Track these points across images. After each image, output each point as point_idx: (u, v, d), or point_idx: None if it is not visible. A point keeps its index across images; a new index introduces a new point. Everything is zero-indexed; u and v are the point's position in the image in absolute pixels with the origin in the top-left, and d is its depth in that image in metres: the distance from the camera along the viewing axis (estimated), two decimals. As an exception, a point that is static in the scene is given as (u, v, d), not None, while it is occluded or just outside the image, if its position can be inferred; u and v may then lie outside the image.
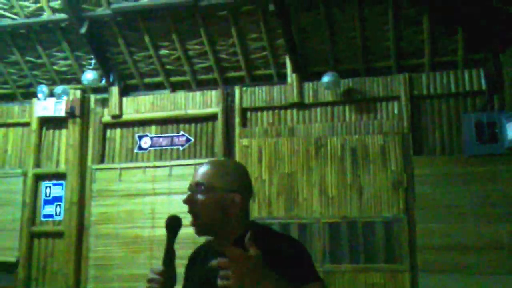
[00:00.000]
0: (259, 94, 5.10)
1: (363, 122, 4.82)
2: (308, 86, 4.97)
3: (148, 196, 5.18)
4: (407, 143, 4.69)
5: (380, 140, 4.73)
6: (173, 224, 1.54)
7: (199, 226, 1.53)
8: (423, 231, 4.54)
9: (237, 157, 4.98)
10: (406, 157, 4.67)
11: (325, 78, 4.74)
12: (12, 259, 5.33)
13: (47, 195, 5.40)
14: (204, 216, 1.52)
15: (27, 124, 5.57)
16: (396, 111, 4.78)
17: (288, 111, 5.03)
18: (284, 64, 5.02)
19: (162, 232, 5.11)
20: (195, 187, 1.54)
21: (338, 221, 4.71)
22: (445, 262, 4.45)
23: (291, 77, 4.97)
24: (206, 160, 5.21)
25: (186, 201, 1.54)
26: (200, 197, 1.52)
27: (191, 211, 1.53)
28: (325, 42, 4.81)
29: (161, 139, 5.31)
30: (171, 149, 5.27)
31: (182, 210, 5.25)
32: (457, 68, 4.68)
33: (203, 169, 1.57)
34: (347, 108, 4.90)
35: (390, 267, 4.55)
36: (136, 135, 5.37)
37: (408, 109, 4.72)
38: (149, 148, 5.32)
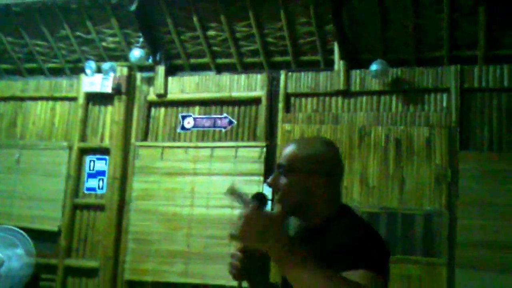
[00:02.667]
0: (304, 80, 5.07)
1: (409, 113, 4.75)
2: (355, 73, 4.91)
3: (189, 175, 5.25)
4: (454, 137, 4.60)
5: (426, 133, 4.66)
6: (258, 200, 1.48)
7: (284, 207, 1.48)
8: (464, 227, 4.47)
9: (279, 141, 4.99)
10: (452, 151, 4.59)
11: (374, 66, 4.68)
12: (55, 228, 5.49)
13: (91, 169, 5.53)
14: (287, 199, 1.48)
15: (74, 99, 5.69)
16: (444, 104, 4.69)
17: (333, 99, 4.99)
18: (331, 51, 4.97)
19: (200, 211, 5.24)
20: (277, 169, 1.51)
21: (377, 212, 4.69)
22: (485, 259, 4.38)
23: (338, 64, 4.92)
24: (248, 143, 5.26)
25: (268, 184, 1.52)
26: (281, 179, 1.49)
27: (275, 193, 1.51)
28: (376, 30, 4.74)
29: (204, 120, 5.36)
30: (214, 130, 5.31)
31: (221, 191, 5.33)
32: (512, 62, 4.56)
33: (287, 149, 1.52)
34: (394, 98, 4.83)
35: (428, 260, 4.51)
36: (180, 115, 5.43)
37: (457, 102, 4.62)
38: (192, 129, 5.38)
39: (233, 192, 1.41)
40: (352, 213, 1.52)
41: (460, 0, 4.44)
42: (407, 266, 4.53)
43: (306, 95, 5.06)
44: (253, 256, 1.48)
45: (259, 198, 1.49)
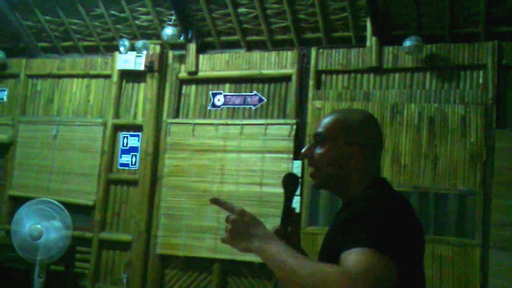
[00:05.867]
0: (335, 57, 5.01)
1: (444, 90, 4.63)
2: (388, 50, 4.81)
3: (219, 152, 5.29)
4: (490, 115, 4.46)
5: (461, 110, 4.54)
6: (290, 182, 1.45)
7: (318, 179, 1.44)
8: (499, 207, 4.35)
9: (309, 119, 4.96)
10: (488, 129, 4.46)
11: (407, 43, 4.57)
12: (90, 202, 5.67)
13: (124, 145, 5.66)
14: (322, 169, 1.41)
15: (108, 76, 5.81)
16: (481, 81, 4.54)
17: (365, 76, 4.91)
18: (364, 27, 4.88)
19: (230, 188, 5.28)
20: (314, 138, 1.45)
21: (409, 190, 4.61)
22: (520, 241, 4.27)
23: (370, 40, 4.83)
24: (277, 121, 5.25)
25: (302, 154, 1.46)
26: (317, 149, 1.43)
27: (309, 164, 1.46)
28: (410, 5, 4.62)
29: (234, 98, 5.38)
30: (244, 108, 5.33)
31: (251, 168, 5.31)
32: (553, 38, 4.37)
33: (325, 119, 1.45)
34: (428, 75, 4.72)
35: (461, 241, 4.43)
36: (210, 93, 5.47)
37: (494, 79, 4.47)
38: (222, 106, 5.41)
39: (217, 202, 1.41)
40: (384, 186, 1.40)
41: (500, -28, 4.28)
42: (439, 247, 4.46)
43: (337, 72, 5.00)
44: None
45: (290, 178, 1.46)
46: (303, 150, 1.47)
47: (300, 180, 1.46)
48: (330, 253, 1.23)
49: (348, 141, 1.39)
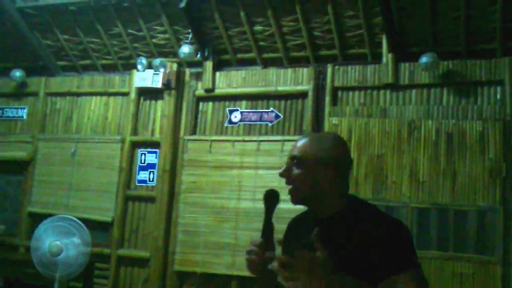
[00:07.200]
0: (351, 74, 5.03)
1: (461, 106, 4.62)
2: (404, 66, 4.82)
3: (236, 169, 5.32)
4: (509, 131, 4.44)
5: (479, 126, 4.52)
6: (271, 198, 1.58)
7: (295, 196, 1.57)
8: (519, 224, 4.32)
9: (326, 135, 4.97)
10: (507, 145, 4.43)
11: (423, 59, 4.58)
12: (108, 219, 5.71)
13: (142, 161, 5.71)
14: (299, 189, 1.56)
15: (126, 94, 5.88)
16: (498, 97, 4.53)
17: (381, 92, 4.92)
18: (379, 44, 4.90)
19: (247, 204, 5.30)
20: (290, 160, 1.58)
21: (427, 207, 4.59)
22: (542, 258, 4.22)
23: (386, 57, 4.85)
24: (294, 137, 5.26)
25: (280, 175, 1.59)
26: (294, 170, 1.56)
27: (287, 183, 1.59)
28: (426, 22, 4.63)
29: (251, 114, 5.42)
30: (260, 124, 5.36)
31: (267, 185, 5.33)
32: None
33: (300, 142, 1.60)
34: (444, 91, 4.71)
35: (481, 258, 4.39)
36: (227, 109, 5.52)
37: (512, 95, 4.46)
38: (239, 123, 5.45)
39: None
40: (368, 204, 1.59)
41: (516, -12, 4.28)
42: (460, 264, 4.43)
43: (354, 88, 5.02)
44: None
45: (270, 194, 1.58)
46: (280, 171, 1.60)
47: (279, 196, 1.59)
48: (355, 269, 1.40)
49: (321, 163, 1.54)
